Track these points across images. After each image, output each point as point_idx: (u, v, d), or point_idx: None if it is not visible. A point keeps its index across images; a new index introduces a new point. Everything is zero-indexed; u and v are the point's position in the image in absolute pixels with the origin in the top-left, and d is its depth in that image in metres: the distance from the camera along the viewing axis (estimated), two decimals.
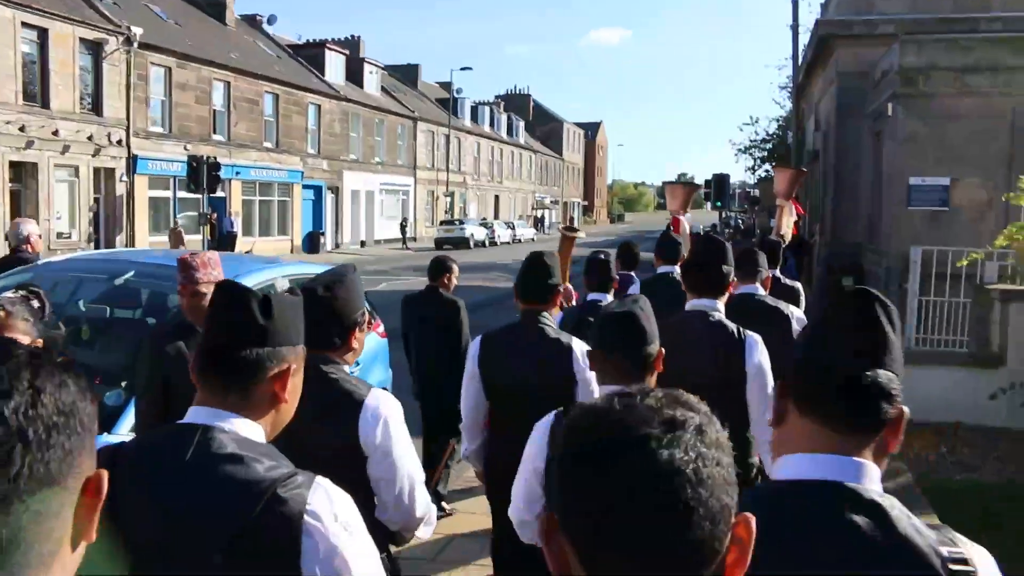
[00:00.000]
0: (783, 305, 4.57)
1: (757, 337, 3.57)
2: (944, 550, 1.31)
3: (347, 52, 44.40)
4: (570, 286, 5.37)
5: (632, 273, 6.70)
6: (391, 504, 2.51)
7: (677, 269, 5.69)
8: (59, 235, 24.99)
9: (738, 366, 3.48)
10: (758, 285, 4.66)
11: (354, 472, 2.45)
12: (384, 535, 2.54)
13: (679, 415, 0.94)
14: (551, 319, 3.69)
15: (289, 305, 1.82)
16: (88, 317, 5.19)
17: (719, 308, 3.67)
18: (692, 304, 3.69)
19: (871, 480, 1.38)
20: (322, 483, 1.62)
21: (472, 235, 46.44)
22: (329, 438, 2.44)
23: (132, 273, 5.25)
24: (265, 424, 1.73)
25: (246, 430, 1.67)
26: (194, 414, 1.69)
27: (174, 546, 1.57)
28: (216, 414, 1.67)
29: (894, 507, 1.34)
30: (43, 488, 0.87)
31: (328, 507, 1.59)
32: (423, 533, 2.70)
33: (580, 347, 3.46)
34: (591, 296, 4.95)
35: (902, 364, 1.47)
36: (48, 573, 0.89)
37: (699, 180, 41.61)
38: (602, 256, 5.23)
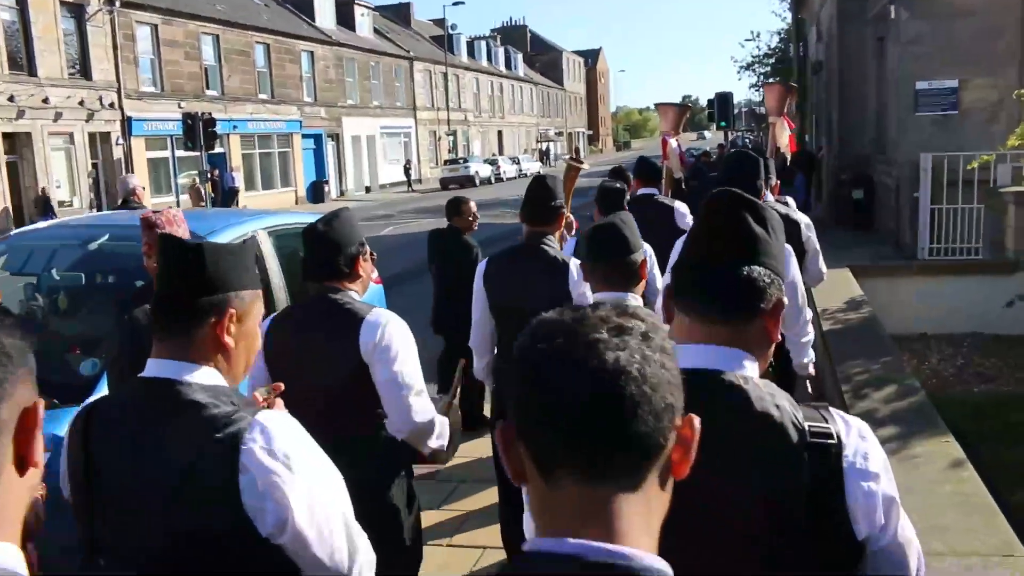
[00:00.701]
0: (792, 210, 4.69)
1: (789, 248, 3.60)
2: (806, 424, 1.41)
3: None
4: (571, 216, 5.36)
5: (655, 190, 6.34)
6: (392, 410, 2.69)
7: (657, 191, 6.05)
8: (60, 204, 24.81)
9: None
10: (768, 193, 4.72)
11: (364, 387, 2.67)
12: (406, 454, 2.80)
13: (626, 323, 1.01)
14: (554, 241, 3.81)
15: (227, 252, 1.85)
16: (64, 286, 5.04)
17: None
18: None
19: (740, 366, 1.47)
20: (262, 419, 1.66)
21: (477, 173, 45.91)
22: (338, 357, 2.66)
23: (106, 237, 5.06)
24: (219, 367, 1.78)
25: (198, 376, 1.73)
26: (151, 367, 1.76)
27: (134, 492, 1.67)
28: (171, 366, 1.73)
29: (756, 389, 1.44)
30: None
31: (263, 442, 1.62)
32: (434, 444, 2.84)
33: (575, 264, 3.58)
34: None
35: (782, 260, 1.57)
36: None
37: (703, 101, 40.66)
38: (618, 185, 5.28)
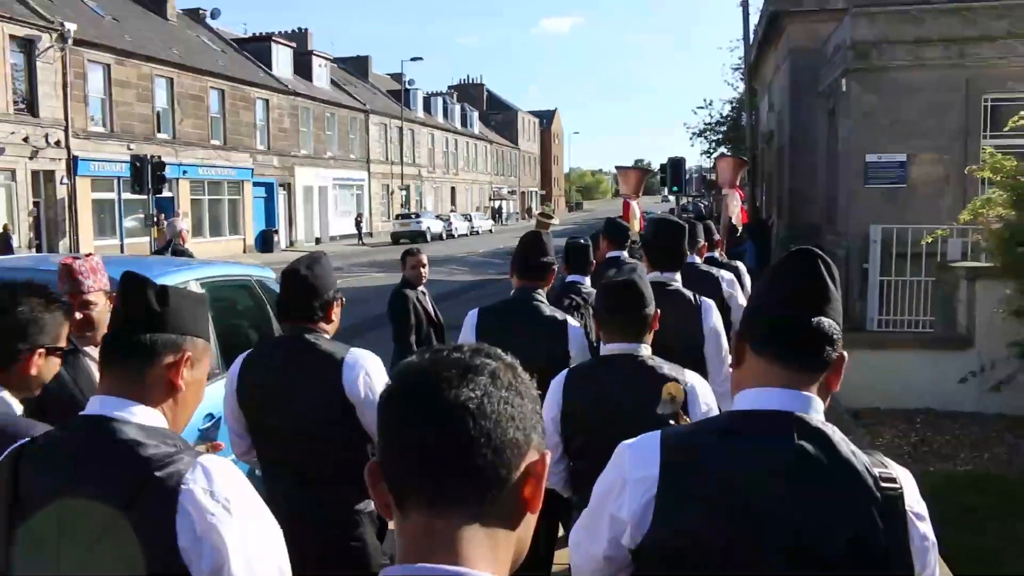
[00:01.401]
0: (713, 269, 5.31)
1: (711, 302, 4.01)
2: (876, 471, 1.53)
3: (295, 45, 43.49)
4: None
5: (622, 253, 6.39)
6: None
7: (625, 253, 6.16)
8: None
9: (696, 328, 3.88)
10: (694, 255, 5.38)
11: (348, 426, 2.77)
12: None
13: (476, 362, 1.07)
14: (543, 296, 3.89)
15: (189, 298, 1.88)
16: None
17: (676, 279, 4.12)
18: (652, 276, 3.95)
19: (817, 411, 1.58)
20: (204, 461, 1.64)
21: (429, 228, 45.82)
22: (317, 397, 2.77)
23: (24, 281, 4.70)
24: (164, 410, 1.76)
25: (141, 416, 1.71)
26: (93, 403, 1.73)
27: (66, 531, 1.62)
28: (114, 402, 1.71)
29: (836, 433, 1.55)
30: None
31: (205, 484, 1.60)
32: None
33: (573, 323, 3.73)
34: (570, 277, 5.02)
35: (841, 315, 1.66)
36: None
37: (655, 166, 41.23)
38: (581, 241, 5.39)
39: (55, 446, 1.73)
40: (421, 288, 6.73)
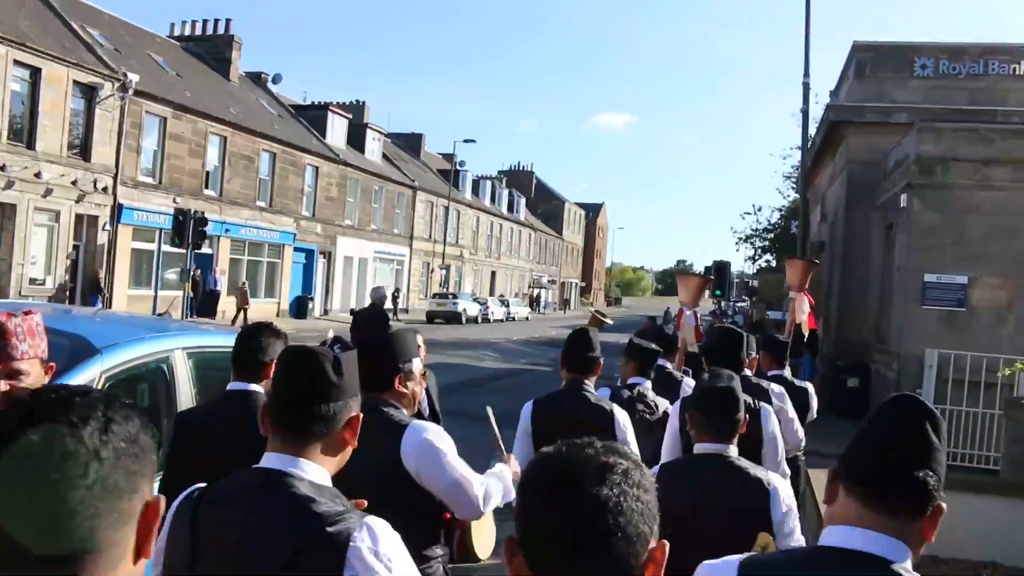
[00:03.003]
0: (763, 382, 5.35)
1: (770, 408, 4.37)
2: None
3: (350, 116, 44.07)
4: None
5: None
6: (460, 508, 2.91)
7: (669, 362, 6.17)
8: (32, 281, 24.02)
9: (756, 432, 4.03)
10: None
11: (400, 495, 2.77)
12: (459, 554, 3.09)
13: (610, 461, 1.22)
14: (591, 387, 4.18)
15: (351, 360, 2.05)
16: None
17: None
18: None
19: (907, 561, 1.61)
20: (370, 522, 1.81)
21: (465, 310, 45.41)
22: (374, 463, 2.72)
23: None
24: (332, 466, 1.95)
25: (313, 474, 1.88)
26: (269, 459, 1.90)
27: (244, 572, 1.79)
28: (289, 460, 1.88)
29: None
30: (112, 500, 1.07)
31: (370, 543, 1.77)
32: (487, 509, 3.02)
33: (620, 412, 4.07)
34: (632, 379, 5.02)
35: (944, 467, 1.68)
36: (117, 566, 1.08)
37: (698, 267, 40.70)
38: (654, 346, 5.33)
39: (234, 493, 1.89)
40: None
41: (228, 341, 5.09)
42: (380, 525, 1.82)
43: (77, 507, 1.03)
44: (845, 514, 1.65)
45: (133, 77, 26.48)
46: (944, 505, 1.65)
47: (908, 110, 16.05)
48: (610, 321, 5.96)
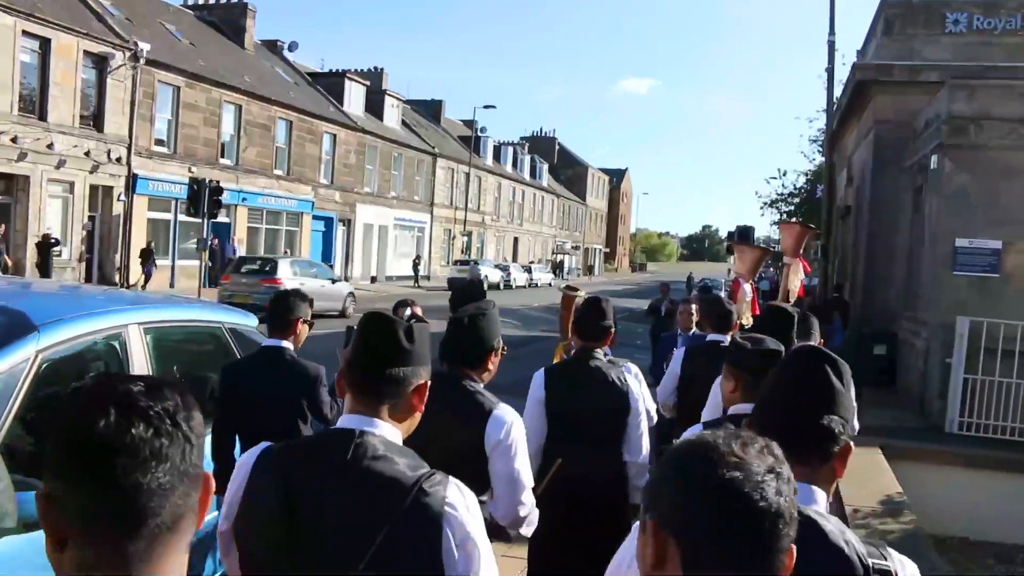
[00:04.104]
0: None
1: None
2: (871, 561, 1.64)
3: (368, 83, 43.53)
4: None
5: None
6: (503, 501, 2.99)
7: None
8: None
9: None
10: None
11: (475, 469, 2.85)
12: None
13: (775, 465, 1.24)
14: (601, 355, 4.18)
15: (423, 332, 2.16)
16: None
17: None
18: None
19: (817, 503, 1.72)
20: (454, 480, 1.95)
21: (486, 276, 44.99)
22: (461, 438, 2.93)
23: None
24: (403, 428, 2.08)
25: (390, 434, 2.01)
26: (348, 420, 2.02)
27: (341, 530, 1.87)
28: (367, 420, 2.00)
29: (829, 523, 1.68)
30: (191, 482, 1.14)
31: (462, 500, 1.91)
32: (525, 531, 3.17)
33: (633, 382, 4.10)
34: (711, 337, 5.26)
35: (852, 410, 1.84)
36: (185, 551, 1.16)
37: (722, 232, 40.05)
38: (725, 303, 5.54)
39: (320, 450, 2.01)
40: None
41: (197, 314, 4.79)
42: (462, 484, 1.96)
43: (176, 483, 1.11)
44: None
45: (144, 46, 26.12)
46: (852, 444, 1.77)
47: (939, 68, 15.31)
48: (583, 294, 5.77)
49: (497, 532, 3.11)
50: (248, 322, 5.04)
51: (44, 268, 22.89)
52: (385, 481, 1.87)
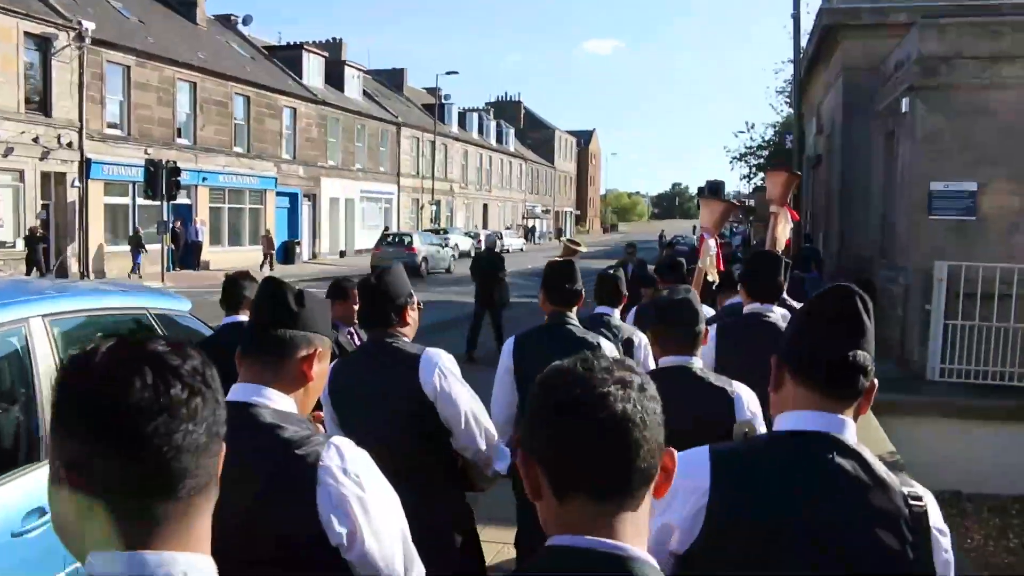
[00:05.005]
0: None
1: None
2: (905, 489, 1.71)
3: (327, 55, 42.57)
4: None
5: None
6: (460, 435, 3.05)
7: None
8: (1, 244, 23.13)
9: None
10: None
11: (429, 422, 3.02)
12: (462, 483, 3.22)
13: (627, 376, 1.25)
14: (575, 319, 4.07)
15: (319, 301, 2.15)
16: None
17: (773, 311, 4.23)
18: (750, 307, 4.23)
19: (851, 434, 1.76)
20: (336, 442, 1.90)
21: (456, 245, 44.50)
22: (399, 392, 3.01)
23: None
24: (296, 398, 2.00)
25: (279, 402, 1.96)
26: (235, 391, 1.96)
27: (221, 503, 1.65)
28: (255, 389, 1.97)
29: (868, 453, 1.74)
30: (220, 441, 1.16)
31: (339, 462, 1.85)
32: (500, 467, 3.22)
33: (607, 344, 3.98)
34: (598, 309, 5.06)
35: (873, 345, 1.82)
36: (210, 514, 1.18)
37: (692, 189, 39.87)
38: (611, 272, 5.42)
39: None
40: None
41: (118, 301, 4.38)
42: (346, 443, 1.91)
43: (209, 443, 1.12)
44: (793, 399, 1.80)
45: (89, 25, 25.20)
46: (876, 382, 1.80)
47: (908, 9, 14.98)
48: (584, 249, 5.53)
49: (470, 484, 3.23)
50: (179, 307, 4.80)
51: (33, 263, 22.44)
52: (266, 449, 1.86)
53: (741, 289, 4.46)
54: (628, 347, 4.57)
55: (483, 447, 3.07)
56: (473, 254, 28.30)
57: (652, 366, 4.49)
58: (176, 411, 1.07)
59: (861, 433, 4.84)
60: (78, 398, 1.07)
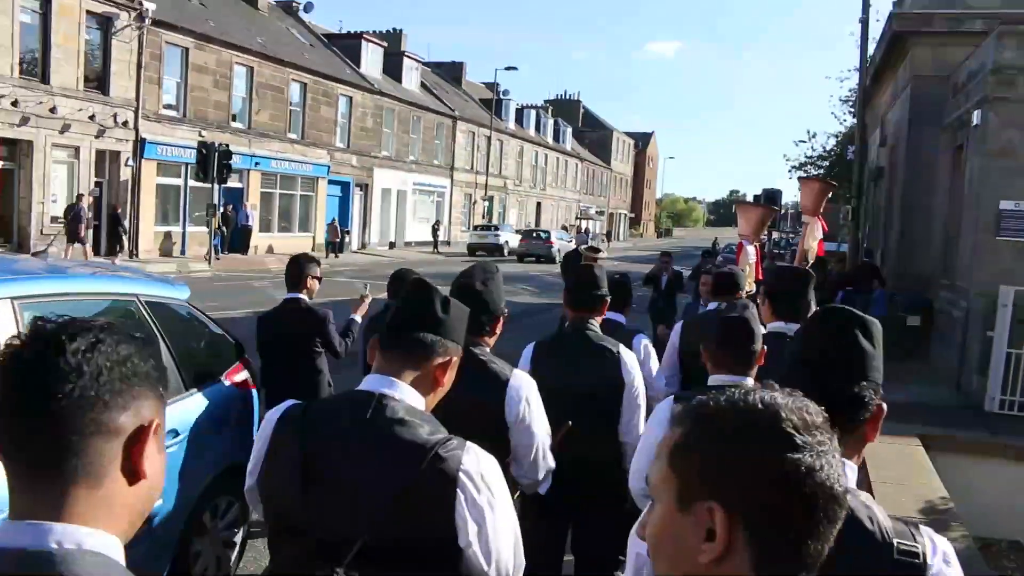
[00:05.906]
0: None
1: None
2: (896, 540, 1.59)
3: (386, 45, 42.56)
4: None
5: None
6: (526, 465, 3.02)
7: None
8: (53, 219, 23.33)
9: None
10: None
11: (495, 437, 2.83)
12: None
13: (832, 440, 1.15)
14: (596, 325, 3.97)
15: (461, 309, 2.17)
16: None
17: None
18: (773, 326, 3.93)
19: (847, 477, 1.58)
20: (473, 447, 1.94)
21: (507, 242, 44.18)
22: (479, 408, 2.85)
23: None
24: (428, 403, 2.05)
25: (412, 399, 1.99)
26: (371, 381, 2.02)
27: (356, 490, 1.88)
28: (389, 382, 1.99)
29: (856, 498, 1.59)
30: (91, 413, 1.11)
31: (477, 467, 1.90)
32: (542, 490, 3.17)
33: (628, 353, 3.87)
34: (608, 315, 4.81)
35: (880, 369, 1.75)
36: (98, 488, 1.12)
37: (749, 197, 39.08)
38: (617, 277, 5.23)
39: (341, 410, 2.01)
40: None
41: (103, 286, 4.09)
42: (481, 450, 1.96)
43: (60, 413, 1.09)
44: None
45: (150, 6, 25.36)
46: (884, 405, 1.71)
47: (984, 16, 14.21)
48: (605, 254, 5.15)
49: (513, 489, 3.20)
50: (176, 294, 4.53)
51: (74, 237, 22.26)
52: (403, 444, 1.88)
53: (764, 305, 4.16)
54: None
55: (540, 478, 3.06)
56: (562, 253, 28.25)
57: (654, 369, 4.53)
58: (59, 387, 1.10)
59: (909, 477, 4.31)
60: None
